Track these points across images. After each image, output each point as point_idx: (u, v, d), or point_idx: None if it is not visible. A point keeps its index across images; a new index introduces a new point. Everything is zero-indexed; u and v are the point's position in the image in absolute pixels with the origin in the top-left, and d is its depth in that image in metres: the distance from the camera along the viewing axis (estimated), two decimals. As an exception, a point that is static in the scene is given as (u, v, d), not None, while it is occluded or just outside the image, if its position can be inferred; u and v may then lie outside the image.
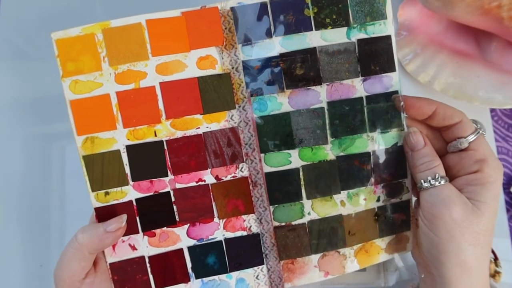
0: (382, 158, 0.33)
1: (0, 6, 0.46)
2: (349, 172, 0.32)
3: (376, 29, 0.32)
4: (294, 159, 0.32)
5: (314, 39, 0.31)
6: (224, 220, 0.32)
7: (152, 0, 0.45)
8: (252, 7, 0.31)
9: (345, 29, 0.31)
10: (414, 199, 0.34)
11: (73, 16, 0.46)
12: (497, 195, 0.30)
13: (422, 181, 0.30)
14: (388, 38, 0.32)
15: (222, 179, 0.32)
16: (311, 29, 0.31)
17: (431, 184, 0.30)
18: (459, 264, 0.29)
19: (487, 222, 0.29)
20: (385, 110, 0.32)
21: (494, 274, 0.38)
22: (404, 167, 0.33)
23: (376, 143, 0.32)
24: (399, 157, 0.33)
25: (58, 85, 0.43)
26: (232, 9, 0.30)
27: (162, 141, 0.31)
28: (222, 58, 0.31)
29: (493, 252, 0.39)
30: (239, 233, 0.32)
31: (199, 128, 0.31)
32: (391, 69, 0.32)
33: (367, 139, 0.32)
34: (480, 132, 0.31)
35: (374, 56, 0.32)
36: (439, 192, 0.30)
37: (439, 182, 0.30)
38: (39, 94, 0.44)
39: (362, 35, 0.32)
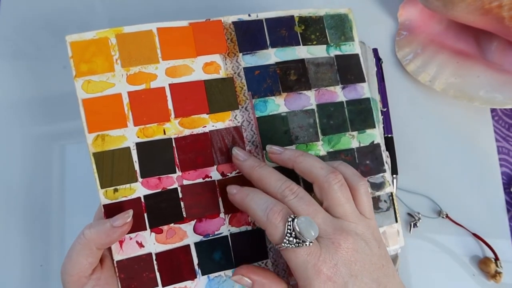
0: (363, 154, 0.37)
1: (0, 6, 0.46)
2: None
3: (348, 48, 0.38)
4: (291, 155, 0.35)
5: (302, 52, 0.36)
6: (229, 215, 0.34)
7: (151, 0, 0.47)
8: (250, 23, 0.35)
9: (325, 46, 0.37)
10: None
11: (73, 16, 0.46)
12: None
13: None
14: (356, 55, 0.38)
15: (228, 175, 0.34)
16: (300, 44, 0.36)
17: None
18: None
19: None
20: (359, 112, 0.37)
21: (495, 274, 0.39)
22: (382, 163, 0.38)
23: (357, 140, 0.37)
24: (377, 153, 0.37)
25: (58, 85, 0.44)
26: (233, 23, 0.35)
27: (170, 138, 0.33)
28: (226, 64, 0.34)
29: (493, 251, 0.40)
30: (244, 228, 0.34)
31: (205, 126, 0.33)
32: (362, 80, 0.38)
33: (350, 137, 0.37)
34: None
35: (349, 69, 0.38)
36: None
37: None
38: (39, 94, 0.44)
39: (338, 52, 0.38)
